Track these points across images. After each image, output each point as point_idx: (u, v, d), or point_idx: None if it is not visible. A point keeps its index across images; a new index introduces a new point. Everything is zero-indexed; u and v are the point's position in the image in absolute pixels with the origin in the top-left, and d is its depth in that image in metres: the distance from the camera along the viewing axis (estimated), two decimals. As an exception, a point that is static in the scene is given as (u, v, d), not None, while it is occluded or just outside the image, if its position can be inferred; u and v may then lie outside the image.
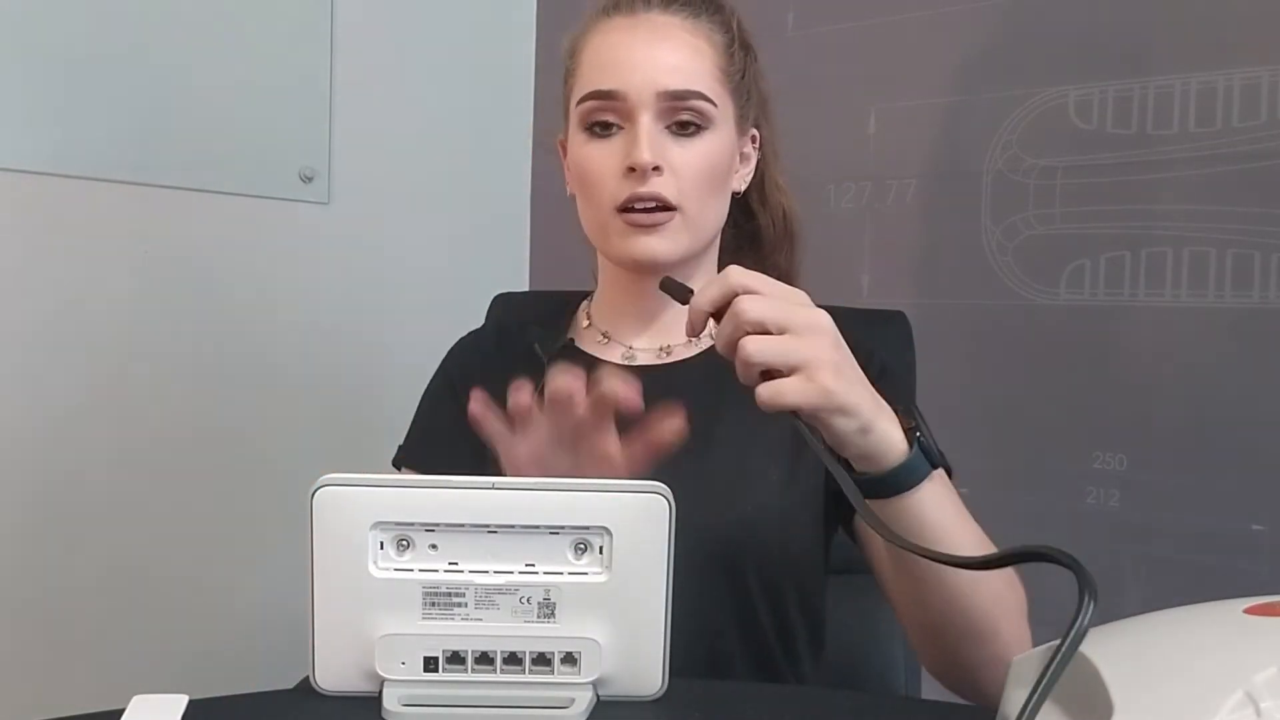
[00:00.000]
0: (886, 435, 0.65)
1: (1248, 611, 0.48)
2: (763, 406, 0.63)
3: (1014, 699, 0.53)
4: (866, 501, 0.65)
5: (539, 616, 0.62)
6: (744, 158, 0.94)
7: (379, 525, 0.59)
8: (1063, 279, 1.40)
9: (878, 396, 0.67)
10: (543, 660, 0.62)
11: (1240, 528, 1.26)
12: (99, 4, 1.45)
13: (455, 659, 0.60)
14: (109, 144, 1.47)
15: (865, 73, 1.56)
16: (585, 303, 1.01)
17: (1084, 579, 0.47)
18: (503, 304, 1.21)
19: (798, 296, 0.65)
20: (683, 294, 0.68)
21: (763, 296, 0.63)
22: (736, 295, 0.63)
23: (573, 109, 0.88)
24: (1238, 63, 1.26)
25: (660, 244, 0.86)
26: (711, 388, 0.89)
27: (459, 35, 1.88)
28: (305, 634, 0.58)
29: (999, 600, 0.71)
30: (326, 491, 0.58)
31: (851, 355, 0.66)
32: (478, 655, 0.61)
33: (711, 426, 0.87)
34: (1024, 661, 0.54)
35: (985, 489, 1.45)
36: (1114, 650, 0.48)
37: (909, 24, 1.53)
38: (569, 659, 0.61)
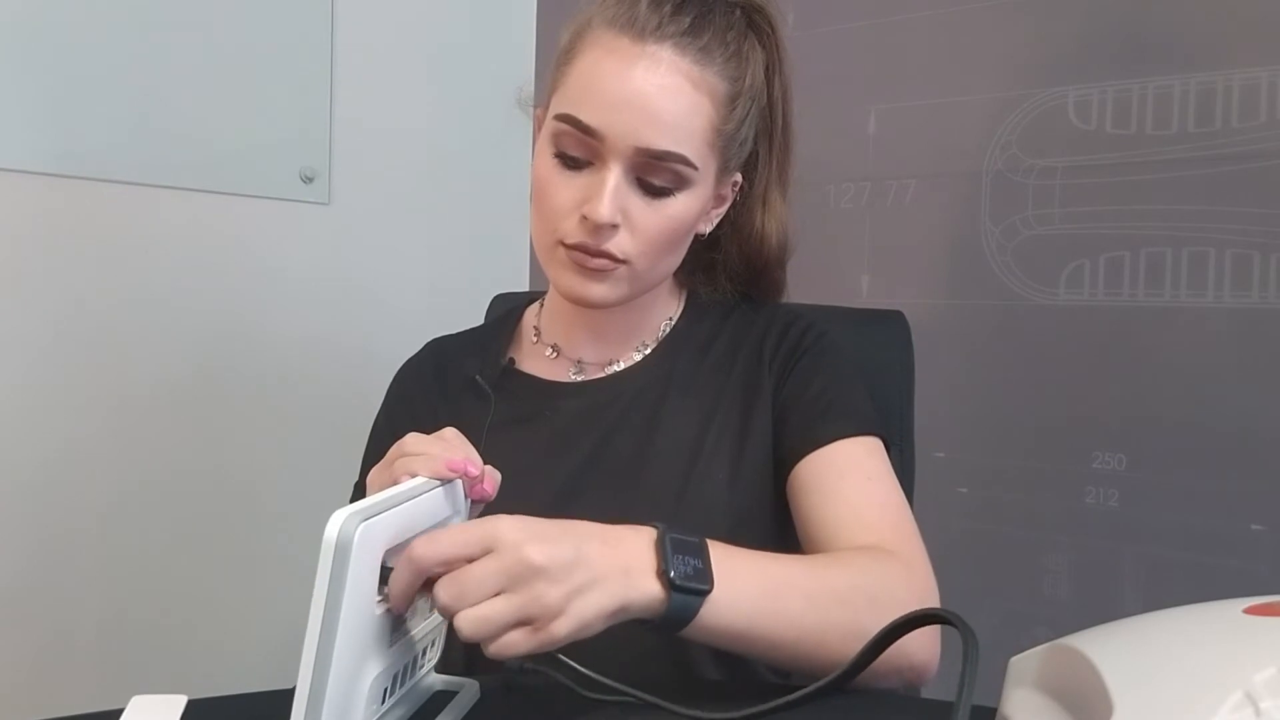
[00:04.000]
0: (640, 601, 0.61)
1: (1247, 611, 0.48)
2: (495, 659, 0.57)
3: (1013, 698, 0.53)
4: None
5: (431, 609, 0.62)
6: (719, 199, 0.89)
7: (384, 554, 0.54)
8: (1062, 279, 1.40)
9: (624, 560, 0.61)
10: (423, 654, 0.63)
11: (1240, 528, 1.26)
12: (99, 4, 1.45)
13: (396, 680, 0.59)
14: (109, 144, 1.47)
15: (865, 73, 1.56)
16: (535, 309, 1.00)
17: (966, 634, 0.48)
18: (502, 305, 1.21)
19: (495, 537, 0.57)
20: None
21: (459, 577, 0.56)
22: (428, 576, 0.56)
23: (550, 115, 0.83)
24: (1237, 63, 1.26)
25: (600, 289, 0.83)
26: (655, 394, 0.89)
27: (459, 36, 1.88)
28: (300, 645, 0.50)
29: (851, 607, 0.69)
30: (364, 527, 0.49)
31: (570, 554, 0.58)
32: (405, 665, 0.60)
33: (655, 432, 0.87)
34: (1023, 661, 0.54)
35: (985, 489, 1.45)
36: (1114, 650, 0.48)
37: (909, 24, 1.53)
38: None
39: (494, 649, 0.57)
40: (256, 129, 1.61)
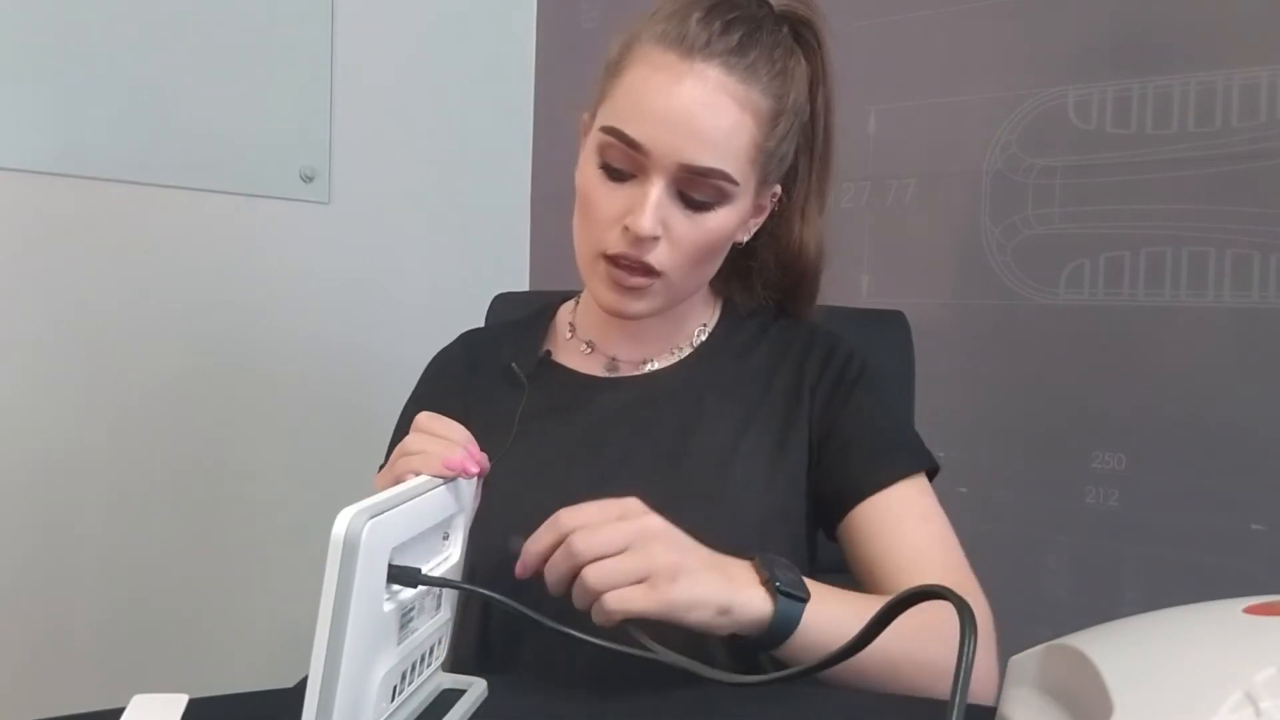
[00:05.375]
0: (746, 605, 0.67)
1: (1247, 611, 0.48)
2: (609, 616, 0.64)
3: (1013, 698, 0.53)
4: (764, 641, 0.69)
5: (436, 608, 0.63)
6: (758, 210, 0.90)
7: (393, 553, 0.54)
8: (1062, 279, 1.40)
9: (727, 570, 0.68)
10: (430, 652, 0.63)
11: (1240, 528, 1.26)
12: (99, 4, 1.45)
13: (405, 677, 0.59)
14: (109, 144, 1.47)
15: (865, 73, 1.56)
16: (570, 306, 1.01)
17: (963, 612, 0.49)
18: (502, 305, 1.21)
19: (625, 508, 0.66)
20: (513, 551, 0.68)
21: (593, 528, 0.64)
22: (567, 536, 0.65)
23: (597, 124, 0.84)
24: (1237, 63, 1.26)
25: (636, 304, 0.85)
26: (691, 396, 0.90)
27: (459, 36, 1.88)
28: (303, 644, 0.50)
29: (921, 642, 0.72)
30: (372, 524, 0.50)
31: (686, 541, 0.67)
32: (413, 662, 0.60)
33: (690, 435, 0.88)
34: (1022, 660, 0.54)
35: (985, 489, 1.45)
36: (1114, 650, 0.48)
37: (909, 24, 1.53)
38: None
39: (612, 600, 0.63)
40: (256, 129, 1.61)
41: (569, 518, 0.65)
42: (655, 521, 0.66)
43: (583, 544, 0.64)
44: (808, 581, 0.71)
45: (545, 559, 0.65)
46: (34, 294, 1.42)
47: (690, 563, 0.66)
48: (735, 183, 0.82)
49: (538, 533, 0.65)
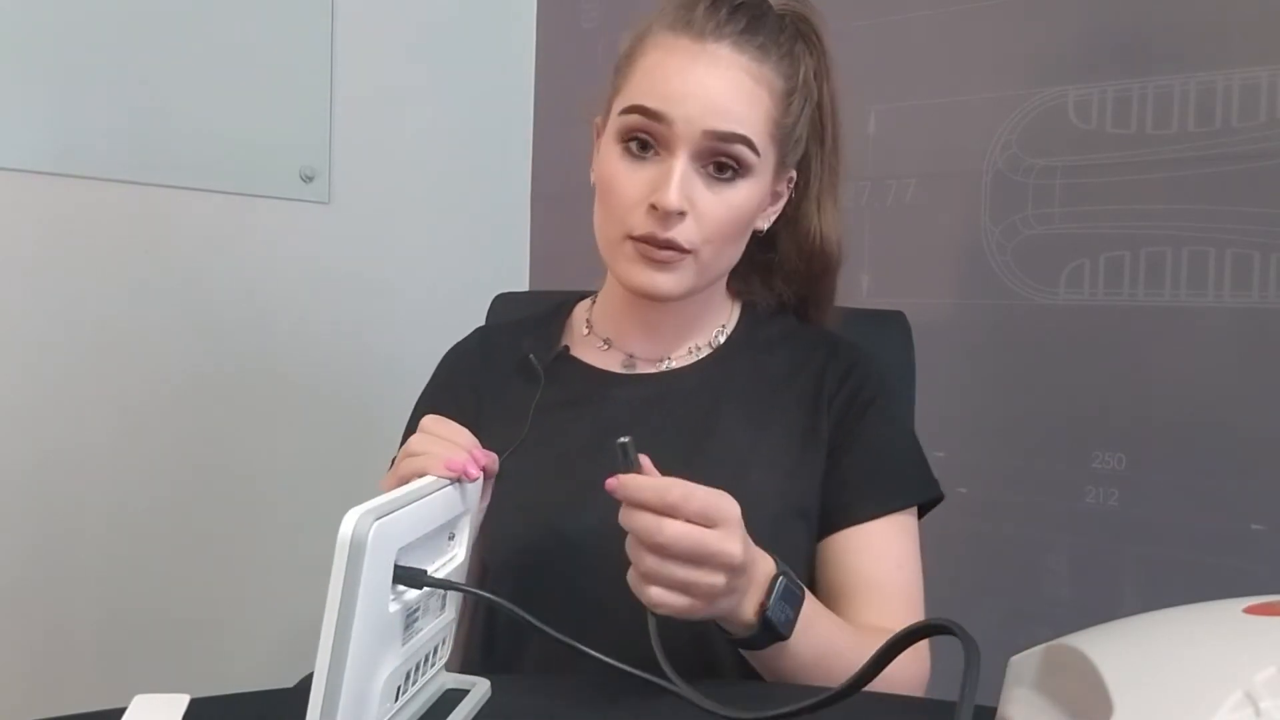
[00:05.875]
0: (737, 617, 0.69)
1: (1247, 611, 0.48)
2: (638, 593, 0.65)
3: (1013, 698, 0.53)
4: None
5: (441, 608, 0.63)
6: (775, 196, 0.91)
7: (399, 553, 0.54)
8: (1062, 279, 1.40)
9: (748, 590, 0.69)
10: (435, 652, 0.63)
11: (1240, 528, 1.26)
12: (99, 4, 1.45)
13: (409, 677, 0.59)
14: (109, 144, 1.47)
15: (865, 73, 1.56)
16: (586, 304, 1.01)
17: (967, 643, 0.49)
18: (502, 305, 1.21)
19: (724, 517, 0.64)
20: (625, 465, 0.66)
21: (687, 531, 0.63)
22: (665, 512, 0.63)
23: (614, 113, 0.85)
24: (1237, 63, 1.26)
25: (667, 281, 0.84)
26: (708, 396, 0.91)
27: (459, 35, 1.88)
28: (303, 644, 0.52)
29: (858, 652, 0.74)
30: (378, 526, 0.50)
31: (744, 567, 0.66)
32: (417, 662, 0.60)
33: (706, 435, 0.88)
34: (1022, 661, 0.54)
35: (985, 489, 1.45)
36: (1114, 650, 0.48)
37: (909, 24, 1.53)
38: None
39: (654, 593, 0.64)
40: (256, 129, 1.61)
41: (680, 498, 0.63)
42: (736, 551, 0.64)
43: (671, 538, 0.62)
44: (811, 609, 0.73)
45: (633, 504, 0.64)
46: (34, 294, 1.42)
47: (733, 585, 0.66)
48: (757, 152, 0.83)
49: (646, 484, 0.63)
